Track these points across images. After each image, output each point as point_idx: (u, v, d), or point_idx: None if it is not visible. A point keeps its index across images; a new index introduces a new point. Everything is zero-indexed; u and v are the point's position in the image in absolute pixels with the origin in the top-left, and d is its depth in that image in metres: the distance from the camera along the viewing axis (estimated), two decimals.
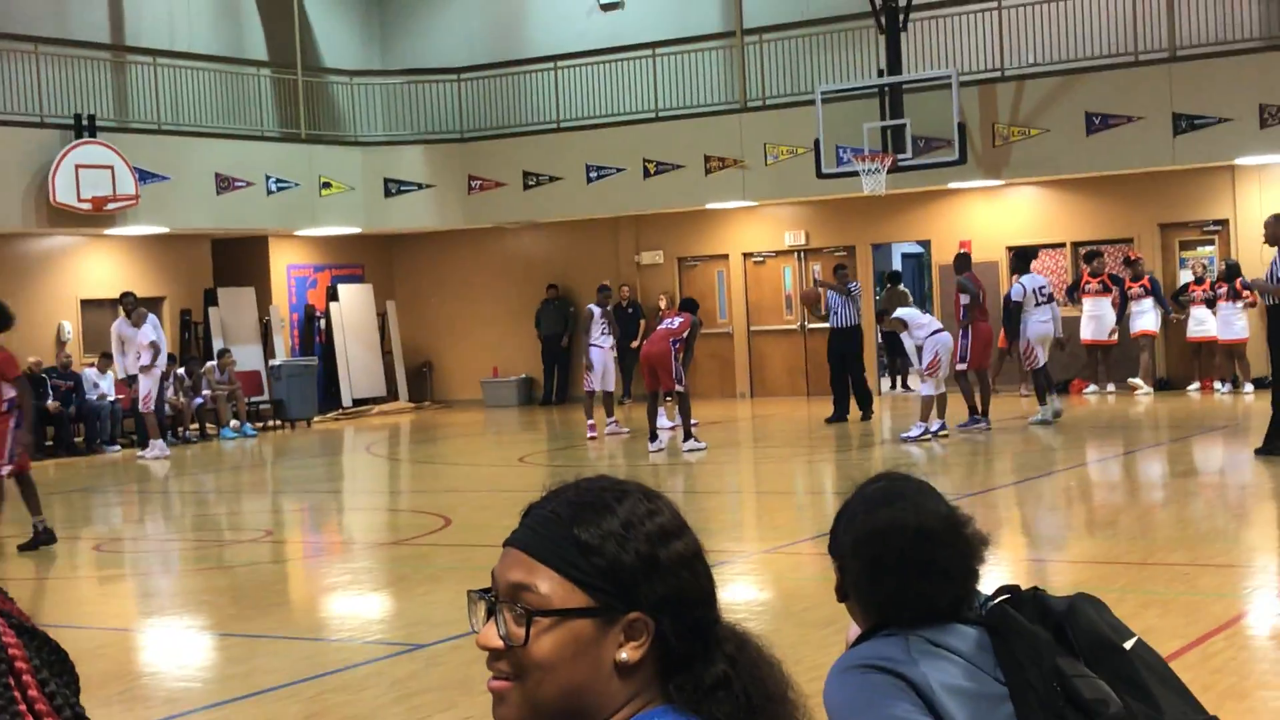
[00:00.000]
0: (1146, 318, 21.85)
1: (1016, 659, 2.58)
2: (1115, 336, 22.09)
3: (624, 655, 1.69)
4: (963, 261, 18.53)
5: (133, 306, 20.52)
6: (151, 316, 20.62)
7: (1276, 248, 13.64)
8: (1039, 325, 18.28)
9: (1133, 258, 22.08)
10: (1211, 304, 21.45)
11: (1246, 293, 20.37)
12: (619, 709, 1.71)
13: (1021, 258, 18.86)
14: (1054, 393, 18.71)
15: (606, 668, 1.70)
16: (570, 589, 1.69)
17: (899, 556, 2.64)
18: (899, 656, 2.58)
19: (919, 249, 27.23)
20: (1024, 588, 2.77)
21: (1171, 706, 2.62)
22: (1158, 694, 2.61)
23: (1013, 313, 18.24)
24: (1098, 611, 2.72)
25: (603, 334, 19.46)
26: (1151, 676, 2.65)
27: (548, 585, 1.69)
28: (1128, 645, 2.67)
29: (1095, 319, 21.98)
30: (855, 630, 2.83)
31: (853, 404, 20.08)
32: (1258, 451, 13.83)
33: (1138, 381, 21.73)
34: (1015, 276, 18.75)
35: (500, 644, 1.70)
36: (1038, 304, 18.30)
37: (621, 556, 1.70)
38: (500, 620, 1.70)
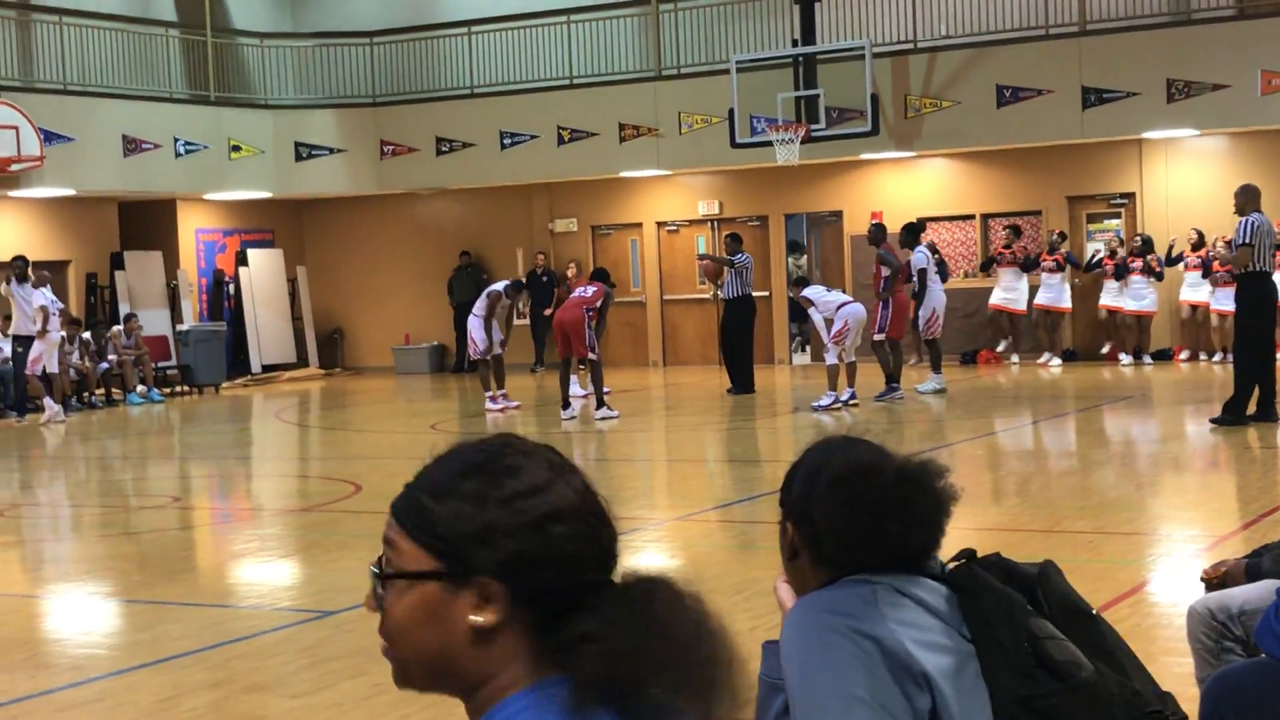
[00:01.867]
0: (1058, 292, 22.13)
1: (986, 617, 2.55)
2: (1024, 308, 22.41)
3: (476, 619, 1.65)
4: (879, 233, 18.64)
5: (24, 270, 20.14)
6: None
7: (1241, 218, 13.82)
8: (940, 294, 18.67)
9: (1056, 233, 22.33)
10: (1122, 276, 21.73)
11: (1219, 265, 20.58)
12: (492, 676, 1.67)
13: (910, 231, 18.87)
14: (937, 369, 18.97)
15: (461, 633, 1.66)
16: (419, 552, 1.68)
17: (879, 495, 2.59)
18: (865, 612, 2.51)
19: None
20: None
21: (1139, 673, 2.64)
22: (1126, 660, 2.63)
23: (923, 280, 18.45)
24: (1063, 579, 2.74)
25: (497, 328, 18.90)
26: (1119, 644, 2.67)
27: (403, 548, 1.69)
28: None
29: (1012, 291, 22.32)
30: (787, 593, 2.75)
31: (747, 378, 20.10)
32: (1214, 420, 13.96)
33: (1049, 357, 22.15)
34: (906, 251, 18.83)
35: (372, 606, 1.71)
36: (934, 273, 18.70)
37: (460, 523, 1.67)
38: (375, 584, 1.71)
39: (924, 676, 2.47)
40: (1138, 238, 21.80)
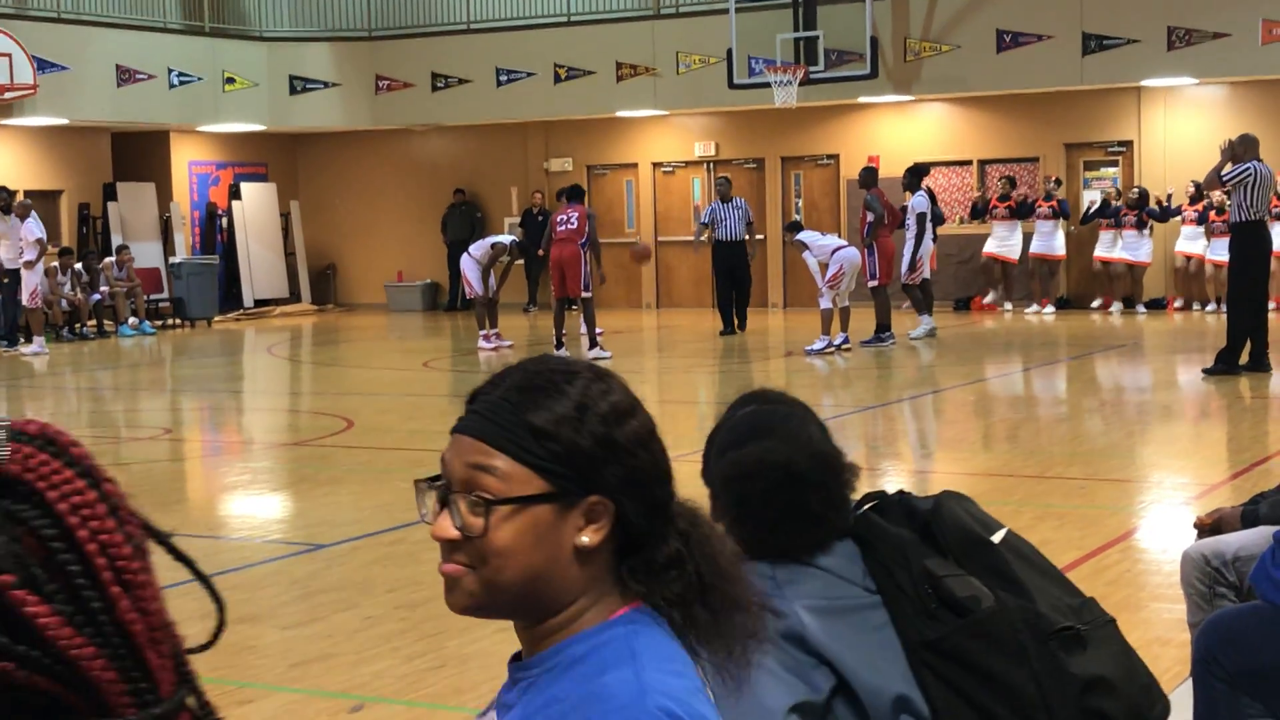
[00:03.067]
0: (1051, 240, 22.09)
1: (884, 565, 2.57)
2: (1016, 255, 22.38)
3: (584, 539, 1.66)
4: (869, 176, 18.51)
5: (8, 201, 20.02)
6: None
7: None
8: (928, 241, 18.69)
9: (1052, 179, 22.26)
10: (1118, 225, 21.69)
11: (1215, 216, 20.52)
12: (576, 597, 1.68)
13: (914, 174, 18.89)
14: (929, 313, 18.94)
15: (566, 552, 1.66)
16: (528, 474, 1.65)
17: (763, 499, 2.57)
18: (763, 589, 2.54)
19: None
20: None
21: (1045, 592, 2.63)
22: (1030, 582, 2.62)
23: (921, 224, 18.44)
24: (963, 507, 2.71)
25: (493, 278, 18.83)
26: (1024, 565, 2.66)
27: (504, 471, 1.65)
28: (998, 536, 2.67)
29: (1007, 241, 22.27)
30: None
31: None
32: (1206, 370, 13.97)
33: (1037, 308, 22.08)
34: (907, 194, 18.83)
35: (456, 535, 1.65)
36: (930, 218, 18.75)
37: (578, 439, 1.66)
38: (455, 511, 1.65)
39: (818, 652, 2.50)
40: (1134, 190, 21.74)
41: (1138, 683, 2.59)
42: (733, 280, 20.55)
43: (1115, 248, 21.76)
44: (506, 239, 19.06)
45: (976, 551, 2.62)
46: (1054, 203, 21.99)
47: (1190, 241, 21.45)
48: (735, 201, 20.68)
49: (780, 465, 2.58)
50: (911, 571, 2.55)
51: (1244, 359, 13.86)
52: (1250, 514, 4.49)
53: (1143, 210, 21.44)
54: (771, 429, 2.64)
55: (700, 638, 1.69)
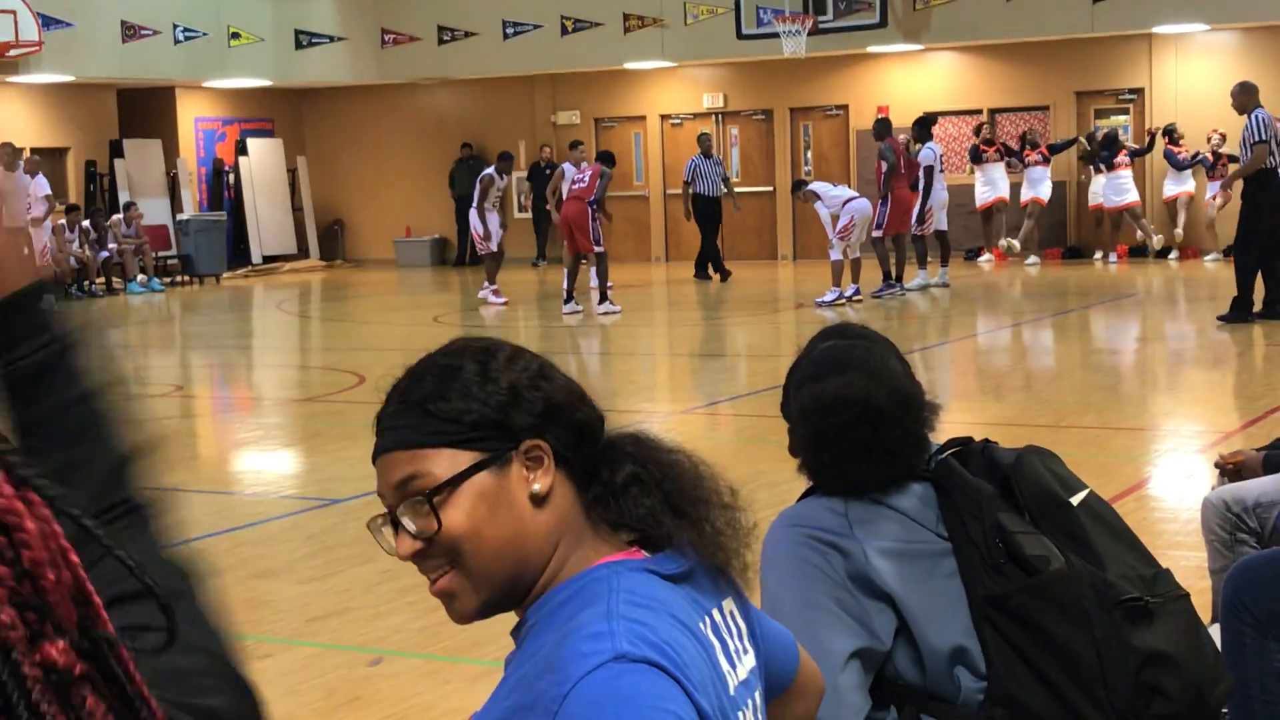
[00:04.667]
0: (1040, 186, 21.80)
1: (958, 514, 2.55)
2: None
3: (536, 487, 1.68)
4: (883, 127, 18.44)
5: (11, 158, 19.97)
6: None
7: (1247, 116, 13.68)
8: (941, 191, 18.59)
9: (1027, 130, 22.07)
10: (1108, 167, 21.35)
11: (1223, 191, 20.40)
12: (554, 546, 1.69)
13: (923, 125, 18.81)
14: (945, 263, 18.88)
15: (525, 508, 1.67)
16: (452, 455, 1.66)
17: (840, 432, 2.56)
18: (835, 526, 2.55)
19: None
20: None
21: (1119, 560, 2.59)
22: (1103, 549, 2.59)
23: (929, 177, 18.35)
24: (1045, 464, 2.68)
25: (494, 205, 18.81)
26: (1101, 530, 2.62)
27: (431, 464, 1.66)
28: (1077, 499, 2.64)
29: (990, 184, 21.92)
30: None
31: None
32: (1221, 318, 13.91)
33: (1011, 242, 21.56)
34: (915, 144, 18.72)
35: (419, 545, 1.67)
36: (940, 170, 18.58)
37: (487, 399, 1.68)
38: (405, 524, 1.67)
39: (885, 593, 2.50)
40: (1161, 129, 21.35)
41: (1202, 661, 2.55)
42: (710, 231, 21.36)
43: (1105, 193, 21.37)
44: (488, 169, 18.96)
45: (1053, 511, 2.59)
46: (1042, 149, 21.64)
47: (1178, 184, 21.30)
48: (714, 157, 21.67)
49: (857, 400, 2.57)
50: (984, 524, 2.52)
51: (1259, 306, 13.81)
52: (1272, 459, 4.47)
53: (1116, 150, 21.09)
54: (851, 363, 2.63)
55: (697, 547, 1.70)
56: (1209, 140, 21.05)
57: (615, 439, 1.75)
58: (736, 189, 22.09)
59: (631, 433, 1.77)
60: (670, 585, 1.67)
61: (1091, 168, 21.76)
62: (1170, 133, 21.29)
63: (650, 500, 1.70)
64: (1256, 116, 13.52)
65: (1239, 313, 13.75)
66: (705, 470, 1.78)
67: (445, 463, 1.66)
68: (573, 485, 1.71)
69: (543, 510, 1.68)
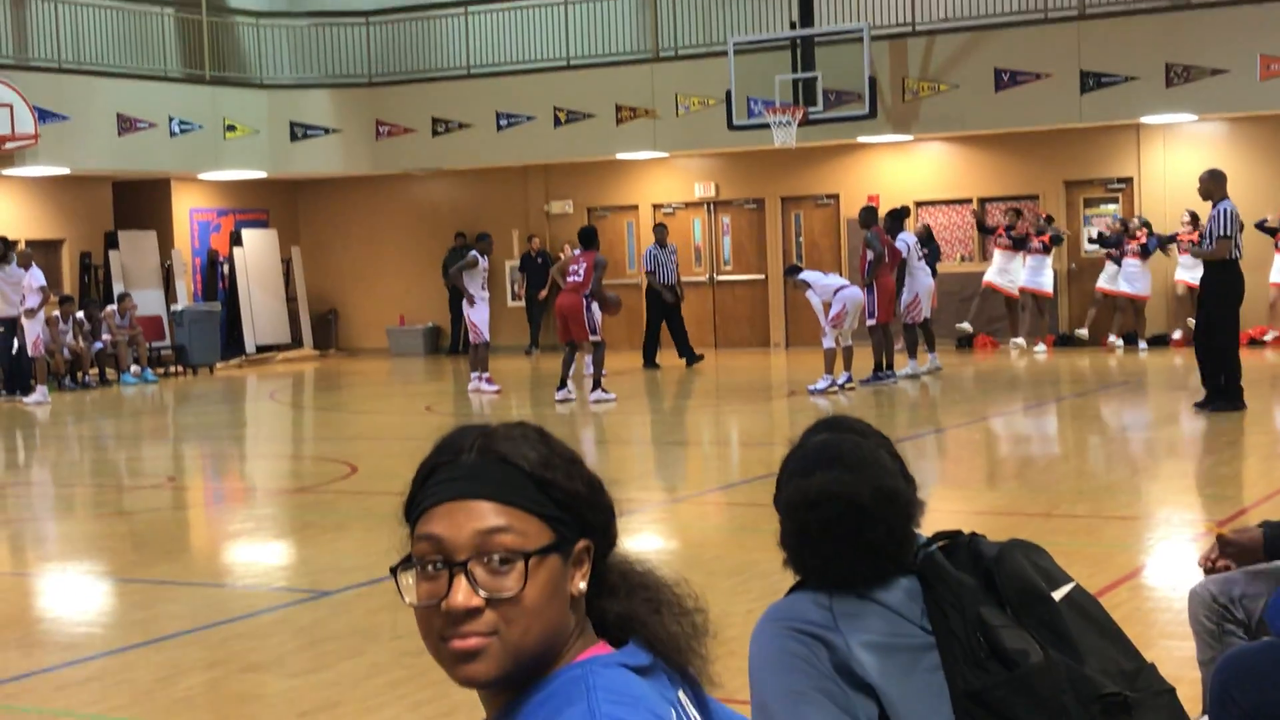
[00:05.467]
0: (1041, 276, 22.05)
1: (942, 608, 2.56)
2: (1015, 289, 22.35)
3: (580, 585, 1.68)
4: (868, 216, 18.58)
5: (4, 251, 20.00)
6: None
7: (1211, 203, 13.78)
8: (924, 279, 18.72)
9: (1044, 216, 22.30)
10: (1118, 260, 21.65)
11: (1132, 242, 20.62)
12: (568, 647, 1.69)
13: (894, 217, 18.94)
14: (932, 349, 18.98)
15: (568, 602, 1.67)
16: (539, 526, 1.64)
17: (824, 527, 2.59)
18: (819, 619, 2.57)
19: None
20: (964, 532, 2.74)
21: (1101, 655, 2.59)
22: (1085, 643, 2.59)
23: (903, 267, 18.52)
24: (1029, 558, 2.69)
25: (483, 286, 18.93)
26: (1084, 624, 2.63)
27: (523, 525, 1.63)
28: (1061, 592, 2.65)
29: (1005, 273, 22.23)
30: None
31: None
32: (1198, 405, 13.96)
33: (1020, 342, 22.07)
34: (873, 230, 18.86)
35: (480, 601, 1.61)
36: (919, 259, 18.74)
37: (574, 485, 1.68)
38: (473, 577, 1.62)
39: (868, 685, 2.51)
40: (1135, 219, 21.73)
41: None
42: (668, 319, 22.05)
43: (1117, 280, 21.71)
44: (470, 251, 19.02)
45: (1034, 605, 2.60)
46: (1045, 237, 21.95)
47: (1189, 271, 21.44)
48: (670, 247, 22.36)
49: (842, 496, 2.59)
50: (966, 618, 2.54)
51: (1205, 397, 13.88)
52: (1273, 536, 4.40)
53: (1148, 237, 21.36)
54: (840, 458, 2.65)
55: (663, 648, 1.71)
56: (1183, 221, 21.22)
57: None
58: (728, 277, 22.25)
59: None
60: (640, 679, 1.68)
61: (1108, 259, 21.92)
62: (1147, 226, 21.50)
63: (628, 604, 1.72)
64: (1225, 209, 13.58)
65: (1227, 400, 13.78)
66: (671, 578, 1.80)
67: (532, 530, 1.63)
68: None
69: (574, 610, 1.69)
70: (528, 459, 1.67)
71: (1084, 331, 21.92)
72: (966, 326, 22.33)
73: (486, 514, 1.64)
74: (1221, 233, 13.52)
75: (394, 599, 1.74)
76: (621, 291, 24.84)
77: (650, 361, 22.11)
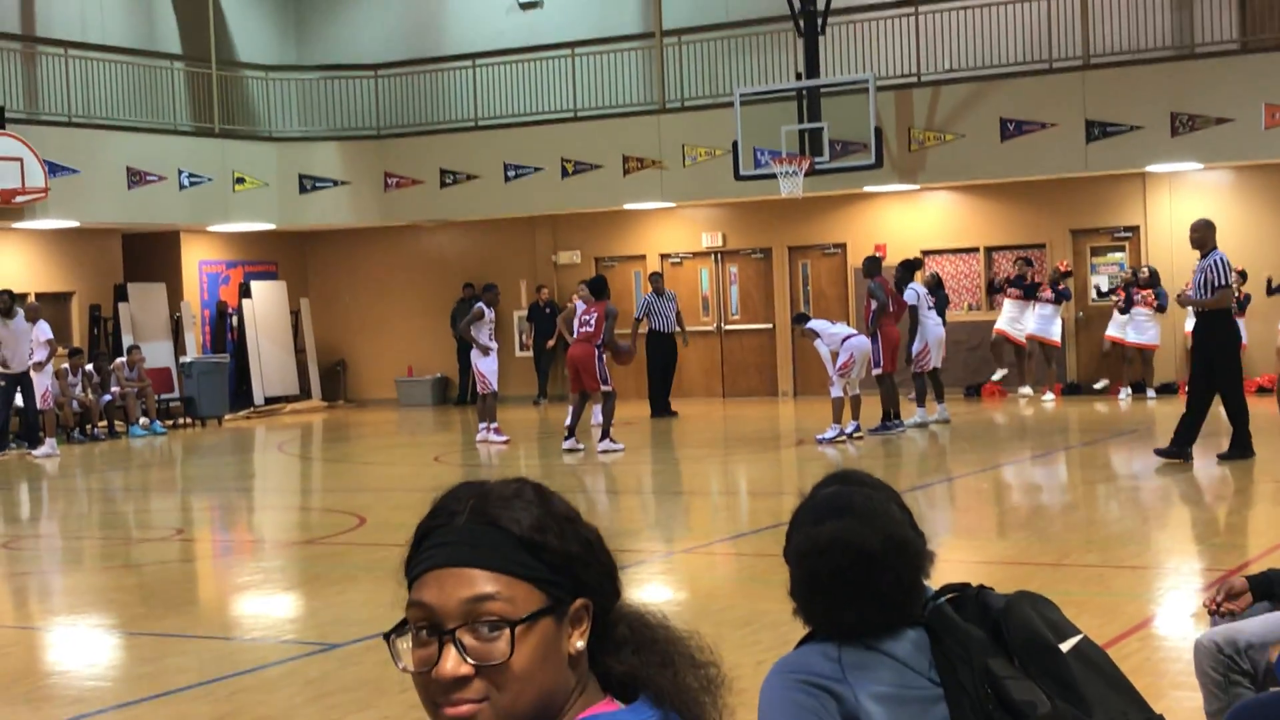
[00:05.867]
0: (1051, 326, 22.11)
1: (949, 660, 2.57)
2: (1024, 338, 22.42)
3: (578, 644, 1.67)
4: (872, 265, 18.61)
5: (9, 304, 20.05)
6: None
7: (1200, 253, 13.79)
8: (934, 328, 18.74)
9: (1063, 269, 22.30)
10: (1127, 309, 21.65)
11: (1141, 292, 20.66)
12: (567, 700, 1.68)
13: (906, 267, 19.03)
14: (941, 399, 18.98)
15: (564, 662, 1.66)
16: (529, 590, 1.64)
17: (834, 577, 2.61)
18: (828, 671, 2.58)
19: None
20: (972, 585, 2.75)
21: (1108, 706, 2.60)
22: (1092, 693, 2.59)
23: (913, 316, 18.57)
24: (1036, 609, 2.70)
25: (491, 337, 18.98)
26: (1091, 675, 2.63)
27: (511, 591, 1.63)
28: (1069, 644, 2.65)
29: (1017, 321, 22.27)
30: None
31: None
32: (1158, 452, 13.98)
33: (1028, 391, 22.14)
34: (876, 280, 18.92)
35: (470, 669, 1.61)
36: (929, 308, 18.77)
37: (566, 545, 1.67)
38: (462, 645, 1.62)
39: None
40: (1145, 268, 21.72)
41: None
42: (663, 368, 22.11)
43: (1126, 330, 21.73)
44: (478, 303, 19.04)
45: (1041, 656, 2.61)
46: (1061, 287, 21.99)
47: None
48: (667, 294, 22.44)
49: (853, 544, 2.61)
50: (974, 669, 2.54)
51: (1168, 444, 13.89)
52: (1261, 585, 4.41)
53: (1155, 290, 21.39)
54: (850, 509, 2.67)
55: (673, 703, 1.70)
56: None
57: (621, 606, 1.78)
58: (736, 326, 22.27)
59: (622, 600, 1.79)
60: None
61: (1116, 309, 21.93)
62: (1155, 276, 21.51)
63: (636, 659, 1.72)
64: (1221, 259, 13.59)
65: (1239, 449, 13.77)
66: (683, 632, 1.79)
67: (520, 595, 1.63)
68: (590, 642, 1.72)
69: (573, 668, 1.68)
70: (519, 523, 1.66)
71: (1105, 383, 22.06)
72: (1002, 372, 22.38)
73: (475, 581, 1.63)
74: (1220, 282, 13.53)
75: None
76: (628, 362, 24.90)
77: (665, 409, 22.09)
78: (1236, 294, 18.37)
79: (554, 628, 1.65)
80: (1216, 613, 4.54)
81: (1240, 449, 13.77)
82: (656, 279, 22.80)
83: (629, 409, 22.74)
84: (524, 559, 1.64)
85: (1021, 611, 2.66)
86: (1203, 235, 13.81)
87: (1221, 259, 13.58)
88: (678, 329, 22.17)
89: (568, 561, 1.66)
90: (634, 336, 21.64)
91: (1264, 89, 20.09)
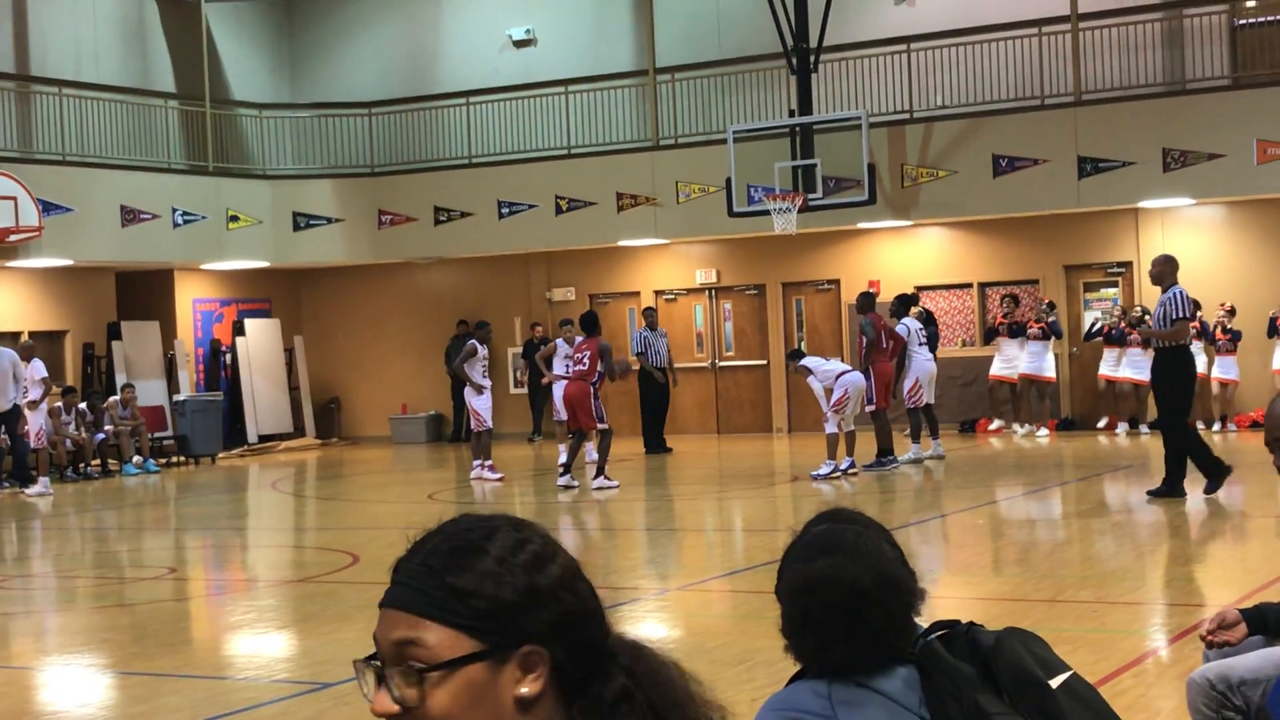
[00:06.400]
0: (1043, 361, 22.14)
1: (940, 697, 2.57)
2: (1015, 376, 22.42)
3: (523, 690, 1.65)
4: (865, 302, 18.63)
5: None
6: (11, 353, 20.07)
7: (1161, 288, 13.85)
8: (925, 364, 18.75)
9: (1045, 302, 22.36)
10: (1119, 344, 21.69)
11: (1133, 332, 20.69)
12: None
13: (902, 302, 19.11)
14: (935, 435, 18.98)
15: (509, 707, 1.65)
16: (455, 636, 1.64)
17: (825, 614, 2.61)
18: (818, 708, 2.58)
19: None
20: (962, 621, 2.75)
21: None
22: None
23: (902, 353, 18.59)
24: (1026, 646, 2.70)
25: (484, 374, 19.00)
26: (1081, 712, 2.63)
27: (433, 638, 1.64)
28: (1058, 680, 2.65)
29: (1011, 361, 22.29)
30: None
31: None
32: (1151, 493, 13.96)
33: (1025, 428, 22.13)
34: (893, 319, 18.98)
35: (396, 709, 1.64)
36: (920, 344, 18.75)
37: (500, 593, 1.66)
38: (391, 684, 1.65)
39: None
40: (1138, 308, 21.76)
41: None
42: (657, 404, 22.25)
43: (1120, 366, 21.77)
44: (470, 339, 19.07)
45: (1030, 693, 2.61)
46: (1044, 324, 22.02)
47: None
48: (660, 331, 22.62)
49: (844, 581, 2.61)
50: (964, 706, 2.54)
51: (1161, 485, 13.85)
52: (1255, 618, 4.40)
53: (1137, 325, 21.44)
54: (841, 546, 2.68)
55: None
56: (1219, 314, 21.30)
57: (615, 649, 1.73)
58: (730, 362, 22.29)
59: (630, 642, 1.76)
60: None
61: (1106, 347, 21.97)
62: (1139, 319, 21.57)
63: (636, 716, 1.69)
64: (1179, 293, 13.66)
65: (1170, 487, 13.77)
66: (692, 684, 1.77)
67: (447, 642, 1.64)
68: (561, 695, 1.68)
69: (526, 713, 1.66)
70: (458, 568, 1.67)
71: (1105, 421, 22.11)
72: (999, 423, 22.46)
73: (399, 624, 1.66)
74: (1176, 315, 13.57)
75: None
76: (622, 380, 24.91)
77: (660, 445, 22.17)
78: (1195, 325, 18.60)
79: (486, 673, 1.64)
80: (1212, 645, 4.53)
81: (1170, 486, 13.73)
82: (650, 314, 22.88)
83: (624, 445, 22.73)
84: (450, 605, 1.65)
85: (1011, 648, 2.66)
86: (1160, 270, 13.91)
87: (1180, 293, 13.66)
88: (663, 365, 22.32)
89: (500, 609, 1.65)
90: (648, 368, 22.14)
91: (1255, 125, 20.17)
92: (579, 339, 17.87)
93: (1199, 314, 21.37)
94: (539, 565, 1.69)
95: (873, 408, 17.92)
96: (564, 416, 18.12)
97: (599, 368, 17.28)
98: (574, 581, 1.71)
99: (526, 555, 1.69)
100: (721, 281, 25.14)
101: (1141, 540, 12.42)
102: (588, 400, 17.12)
